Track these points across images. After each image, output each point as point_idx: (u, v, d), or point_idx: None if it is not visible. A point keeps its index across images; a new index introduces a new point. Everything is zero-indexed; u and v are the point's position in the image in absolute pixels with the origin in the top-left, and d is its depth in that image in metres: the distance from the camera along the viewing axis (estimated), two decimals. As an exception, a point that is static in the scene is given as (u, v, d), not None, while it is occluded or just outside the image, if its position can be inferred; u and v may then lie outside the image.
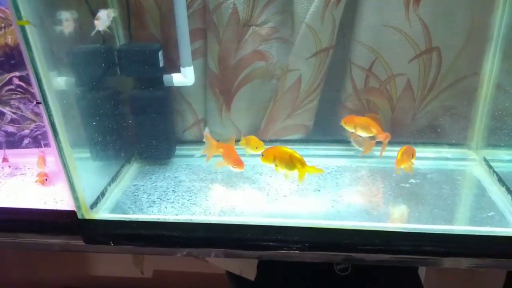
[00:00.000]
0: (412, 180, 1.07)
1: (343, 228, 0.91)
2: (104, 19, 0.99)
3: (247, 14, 1.11)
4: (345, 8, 1.08)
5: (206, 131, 1.11)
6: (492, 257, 0.88)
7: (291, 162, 0.96)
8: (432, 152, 1.18)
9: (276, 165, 0.98)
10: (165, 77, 1.12)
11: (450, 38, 1.07)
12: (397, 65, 1.12)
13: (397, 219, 0.96)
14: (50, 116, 0.84)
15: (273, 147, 0.99)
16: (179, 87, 1.17)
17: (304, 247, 0.90)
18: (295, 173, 0.97)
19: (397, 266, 1.05)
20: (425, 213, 0.95)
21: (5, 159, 1.18)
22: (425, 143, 1.18)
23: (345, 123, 1.11)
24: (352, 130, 1.10)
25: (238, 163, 1.03)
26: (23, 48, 0.79)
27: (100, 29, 0.99)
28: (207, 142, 1.09)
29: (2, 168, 1.19)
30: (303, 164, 0.96)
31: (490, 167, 1.09)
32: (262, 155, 0.99)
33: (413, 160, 1.03)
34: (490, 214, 0.94)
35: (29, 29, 0.78)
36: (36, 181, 1.09)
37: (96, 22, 0.98)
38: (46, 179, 1.09)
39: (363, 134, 1.10)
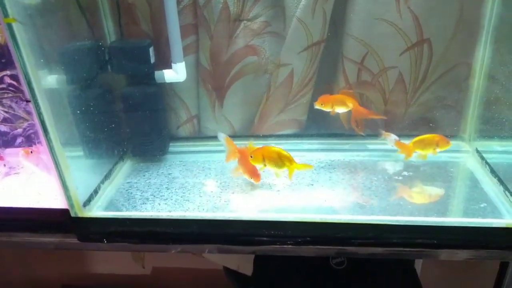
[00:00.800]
0: (405, 173, 1.07)
1: (336, 222, 0.91)
2: None
3: (238, 9, 1.11)
4: (335, 2, 1.08)
5: (222, 136, 1.07)
6: (484, 248, 0.88)
7: (280, 161, 0.98)
8: (426, 145, 1.17)
9: (264, 165, 1.00)
10: (157, 73, 1.11)
11: (441, 29, 1.07)
12: (389, 58, 1.12)
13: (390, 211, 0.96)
14: (39, 114, 0.84)
15: (261, 147, 1.00)
16: (171, 84, 1.16)
17: (298, 242, 0.90)
18: (285, 170, 0.99)
19: (393, 259, 1.05)
20: (418, 205, 0.95)
21: (0, 157, 1.18)
22: (418, 135, 1.18)
23: (322, 104, 1.08)
24: (330, 110, 1.08)
25: (255, 175, 1.01)
26: (10, 46, 0.78)
27: None
28: (227, 146, 1.06)
29: None
30: (291, 161, 0.98)
31: (482, 158, 1.09)
32: (251, 157, 0.99)
33: (438, 150, 1.05)
34: (482, 205, 0.94)
35: (16, 26, 0.77)
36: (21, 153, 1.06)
37: None
38: (31, 152, 1.06)
39: (340, 110, 1.08)
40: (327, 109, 1.09)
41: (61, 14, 1.01)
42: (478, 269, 1.49)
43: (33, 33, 0.83)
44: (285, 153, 0.98)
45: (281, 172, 1.00)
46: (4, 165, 1.18)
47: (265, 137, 1.24)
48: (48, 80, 0.92)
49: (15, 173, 1.18)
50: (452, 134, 1.17)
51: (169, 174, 1.14)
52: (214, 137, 1.26)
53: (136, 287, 1.85)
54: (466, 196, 0.99)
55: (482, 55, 1.07)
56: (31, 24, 0.83)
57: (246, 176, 1.02)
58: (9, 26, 0.77)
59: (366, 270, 1.22)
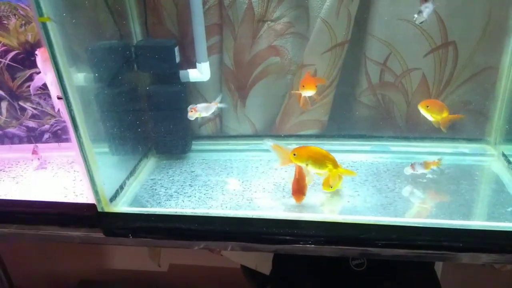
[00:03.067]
0: (429, 176, 1.06)
1: (359, 222, 0.91)
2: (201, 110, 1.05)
3: (262, 10, 1.11)
4: (360, 2, 1.07)
5: (269, 142, 1.00)
6: (510, 253, 0.86)
7: (323, 163, 0.95)
8: (449, 147, 1.17)
9: (307, 165, 0.96)
10: (181, 72, 1.13)
11: (467, 31, 1.06)
12: (412, 59, 1.11)
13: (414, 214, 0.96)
14: (70, 111, 0.86)
15: (305, 146, 0.97)
16: (195, 83, 1.18)
17: (320, 242, 0.90)
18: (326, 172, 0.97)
19: (413, 261, 1.04)
20: (443, 208, 0.94)
21: (34, 152, 1.21)
22: (442, 138, 1.17)
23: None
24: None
25: (295, 195, 0.97)
26: (44, 44, 0.81)
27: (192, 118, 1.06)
28: (278, 153, 0.99)
29: (32, 160, 1.22)
30: (336, 165, 0.96)
31: (509, 162, 1.08)
32: (294, 155, 0.96)
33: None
34: (509, 209, 0.93)
35: (50, 25, 0.79)
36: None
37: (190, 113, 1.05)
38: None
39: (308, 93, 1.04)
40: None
41: (90, 14, 1.03)
42: (502, 274, 1.46)
43: (64, 32, 0.85)
44: (330, 156, 0.95)
45: (323, 173, 0.97)
46: (38, 159, 1.21)
47: (287, 137, 1.25)
48: (77, 78, 0.94)
49: (43, 168, 1.21)
50: (477, 137, 1.16)
51: (192, 171, 1.15)
52: (236, 136, 1.28)
53: (153, 283, 1.87)
54: (492, 200, 0.98)
55: (510, 58, 1.05)
56: (62, 23, 0.85)
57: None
58: (44, 25, 0.79)
59: (386, 272, 1.21)
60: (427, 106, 1.03)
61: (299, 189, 0.97)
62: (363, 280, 1.19)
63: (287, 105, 1.23)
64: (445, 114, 1.02)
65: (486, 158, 1.14)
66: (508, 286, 1.34)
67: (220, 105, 1.11)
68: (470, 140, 1.17)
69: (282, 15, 1.13)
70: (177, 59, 1.11)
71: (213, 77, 1.16)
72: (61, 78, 0.84)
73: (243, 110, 1.25)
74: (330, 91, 1.19)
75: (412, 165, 1.04)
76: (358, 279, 1.19)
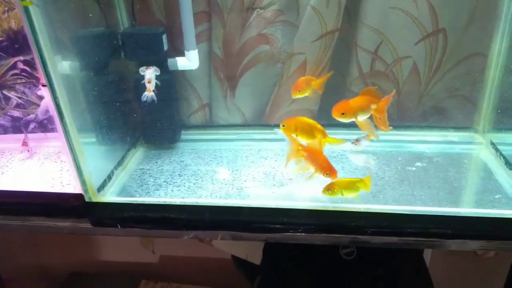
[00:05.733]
0: (418, 164, 1.07)
1: (349, 210, 0.91)
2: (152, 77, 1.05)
3: (252, -3, 1.10)
4: (351, -10, 1.07)
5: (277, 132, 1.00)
6: (498, 239, 0.87)
7: (312, 133, 0.95)
8: (439, 136, 1.17)
9: (296, 135, 0.96)
10: (170, 60, 1.11)
11: (456, 19, 1.05)
12: (403, 47, 1.11)
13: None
14: (55, 98, 0.84)
15: (294, 117, 0.97)
16: (183, 72, 1.16)
17: (310, 230, 0.90)
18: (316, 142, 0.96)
19: (402, 249, 1.05)
20: (431, 196, 0.95)
21: (24, 143, 1.19)
22: (431, 127, 1.18)
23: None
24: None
25: (331, 170, 0.90)
26: (26, 29, 0.78)
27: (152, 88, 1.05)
28: (290, 144, 0.97)
29: (21, 152, 1.20)
30: (324, 135, 0.95)
31: (497, 150, 1.09)
32: (283, 126, 0.96)
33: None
34: (496, 196, 0.94)
35: (32, 10, 0.77)
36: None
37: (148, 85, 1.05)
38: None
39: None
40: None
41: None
42: (489, 261, 1.49)
43: (48, 18, 0.82)
44: (319, 126, 0.95)
45: (313, 142, 0.96)
46: (28, 151, 1.19)
47: (277, 126, 1.24)
48: (62, 66, 0.92)
49: (29, 158, 1.19)
50: (466, 125, 1.17)
51: (181, 161, 1.14)
52: (226, 126, 1.27)
53: (144, 274, 1.86)
54: (481, 187, 0.99)
55: (499, 46, 1.05)
56: (46, 8, 0.83)
57: (318, 173, 0.92)
58: (26, 10, 0.77)
59: (375, 260, 1.22)
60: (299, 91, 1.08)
61: (329, 164, 0.91)
62: (353, 269, 1.20)
63: (277, 95, 1.22)
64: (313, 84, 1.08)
65: (475, 146, 1.15)
66: (498, 274, 1.36)
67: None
68: (459, 128, 1.18)
69: (271, 2, 1.11)
70: (165, 47, 1.09)
71: (202, 65, 1.15)
72: (44, 64, 0.81)
73: (233, 99, 1.23)
74: (320, 80, 1.19)
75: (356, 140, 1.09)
76: (348, 268, 1.20)
